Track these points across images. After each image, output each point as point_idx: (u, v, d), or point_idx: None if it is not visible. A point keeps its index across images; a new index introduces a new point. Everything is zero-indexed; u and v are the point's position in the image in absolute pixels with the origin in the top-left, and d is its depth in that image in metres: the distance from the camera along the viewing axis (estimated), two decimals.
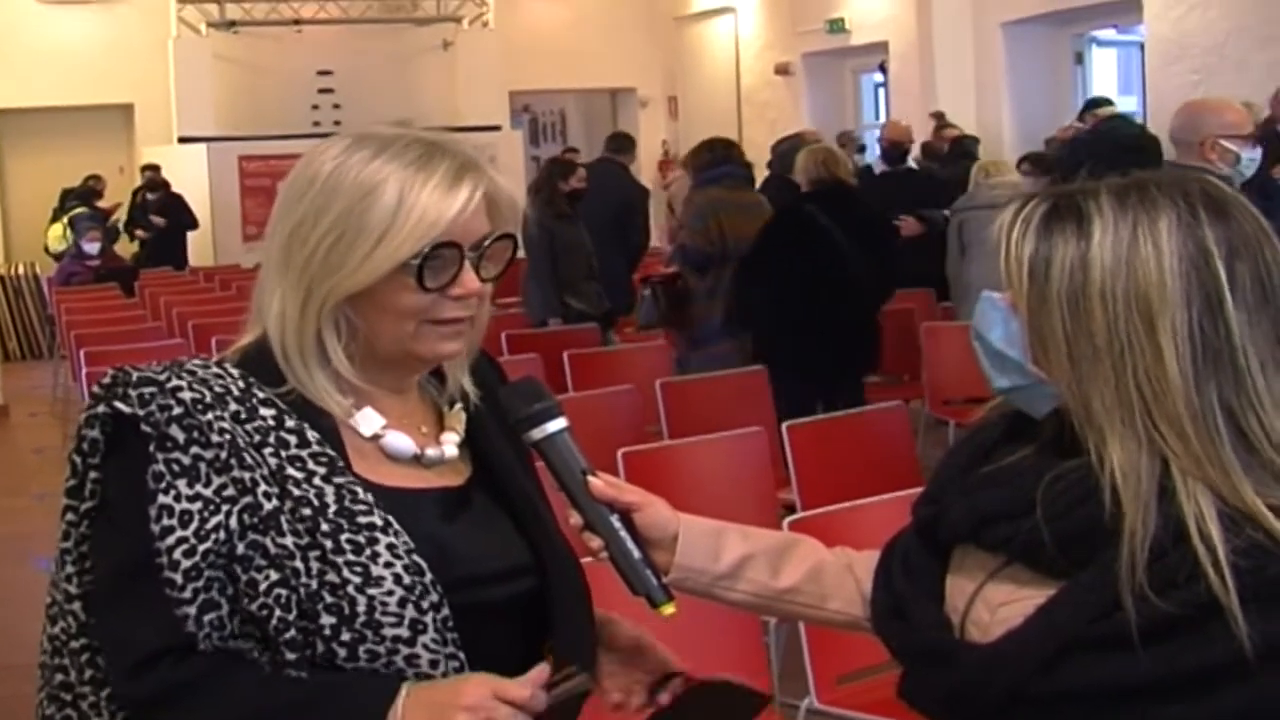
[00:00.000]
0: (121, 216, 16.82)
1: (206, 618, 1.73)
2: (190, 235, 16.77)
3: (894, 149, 11.17)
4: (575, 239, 9.06)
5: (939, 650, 1.71)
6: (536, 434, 1.91)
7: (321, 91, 18.74)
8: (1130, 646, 1.52)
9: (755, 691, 2.02)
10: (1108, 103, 11.32)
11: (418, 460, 1.91)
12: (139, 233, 16.39)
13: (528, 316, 9.20)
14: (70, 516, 1.82)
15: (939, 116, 13.83)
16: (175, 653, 1.72)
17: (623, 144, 11.06)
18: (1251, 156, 5.30)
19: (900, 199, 10.16)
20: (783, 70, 18.46)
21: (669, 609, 1.89)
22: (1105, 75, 15.50)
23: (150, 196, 16.42)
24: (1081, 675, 1.55)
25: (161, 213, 16.25)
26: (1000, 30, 14.97)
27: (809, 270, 6.98)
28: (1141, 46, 13.74)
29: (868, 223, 7.39)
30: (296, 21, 18.92)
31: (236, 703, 1.73)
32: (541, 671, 1.78)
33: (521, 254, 9.65)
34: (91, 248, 14.61)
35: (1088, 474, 1.58)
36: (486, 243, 1.86)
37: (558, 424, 1.91)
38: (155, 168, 16.74)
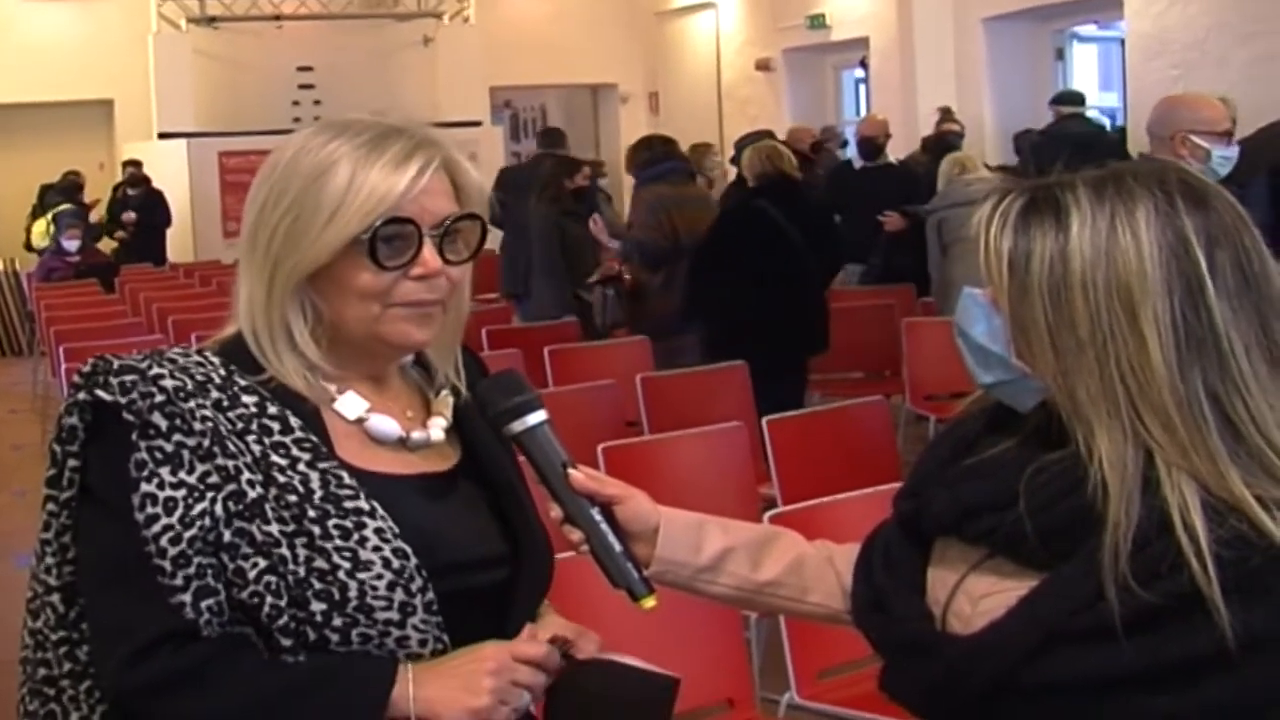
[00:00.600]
0: (101, 212, 16.75)
1: (204, 604, 1.73)
2: (170, 230, 16.72)
3: (867, 144, 11.11)
4: (583, 235, 9.10)
5: (920, 642, 1.71)
6: (517, 426, 1.90)
7: (302, 87, 18.68)
8: (1113, 637, 1.52)
9: (663, 676, 1.95)
10: (1075, 97, 11.27)
11: (403, 444, 1.91)
12: (119, 234, 16.33)
13: (536, 314, 9.23)
14: (50, 506, 1.82)
15: (945, 111, 13.74)
16: (175, 639, 1.72)
17: (557, 138, 11.24)
18: (1224, 154, 5.23)
19: (880, 194, 10.15)
20: (764, 66, 18.45)
21: (650, 602, 1.89)
22: (1086, 71, 15.51)
23: (131, 192, 16.36)
24: (1065, 666, 1.55)
25: (140, 209, 16.20)
26: (981, 25, 14.97)
27: (762, 262, 7.14)
28: (1122, 42, 13.75)
29: (813, 214, 7.62)
30: (277, 17, 18.85)
31: (239, 688, 1.74)
32: (539, 630, 1.84)
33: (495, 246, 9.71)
34: (71, 244, 14.54)
35: (1072, 465, 1.58)
36: (448, 222, 1.86)
37: (538, 416, 1.91)
38: (137, 163, 16.68)
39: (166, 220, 16.59)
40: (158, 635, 1.72)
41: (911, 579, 1.78)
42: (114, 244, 16.41)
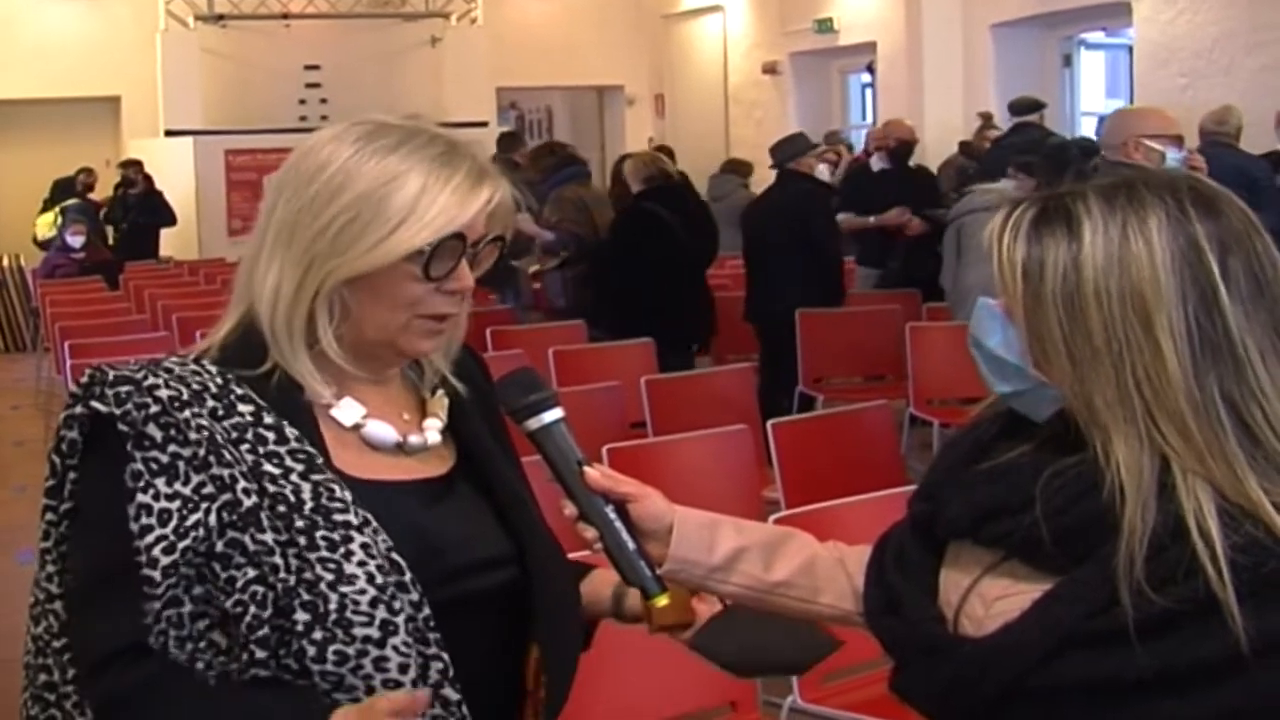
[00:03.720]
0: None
1: (166, 613, 1.73)
2: (175, 228, 16.73)
3: (904, 147, 10.91)
4: None
5: (933, 644, 1.70)
6: (533, 424, 1.91)
7: (309, 86, 18.72)
8: (1127, 642, 1.52)
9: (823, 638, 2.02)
10: (1028, 105, 11.07)
11: (400, 448, 1.91)
12: (122, 226, 16.35)
13: None
14: (50, 516, 1.82)
15: (986, 117, 13.61)
16: (129, 654, 1.72)
17: (512, 143, 11.87)
18: (1177, 156, 5.62)
19: (899, 198, 10.05)
20: (770, 69, 18.46)
21: (662, 600, 1.90)
22: (1093, 78, 15.52)
23: (131, 191, 16.36)
24: (1078, 670, 1.55)
25: (141, 207, 16.21)
26: (989, 32, 14.99)
27: (654, 258, 8.15)
28: (1130, 50, 13.76)
29: (696, 209, 8.76)
30: (285, 16, 18.90)
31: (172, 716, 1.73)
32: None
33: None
34: (76, 240, 14.56)
35: (1088, 470, 1.58)
36: (482, 244, 1.88)
37: (554, 414, 1.92)
38: (131, 163, 16.67)
39: (167, 220, 16.58)
40: (114, 648, 1.73)
41: (924, 581, 1.78)
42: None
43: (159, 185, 16.57)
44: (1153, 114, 6.01)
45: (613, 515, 1.91)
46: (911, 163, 10.93)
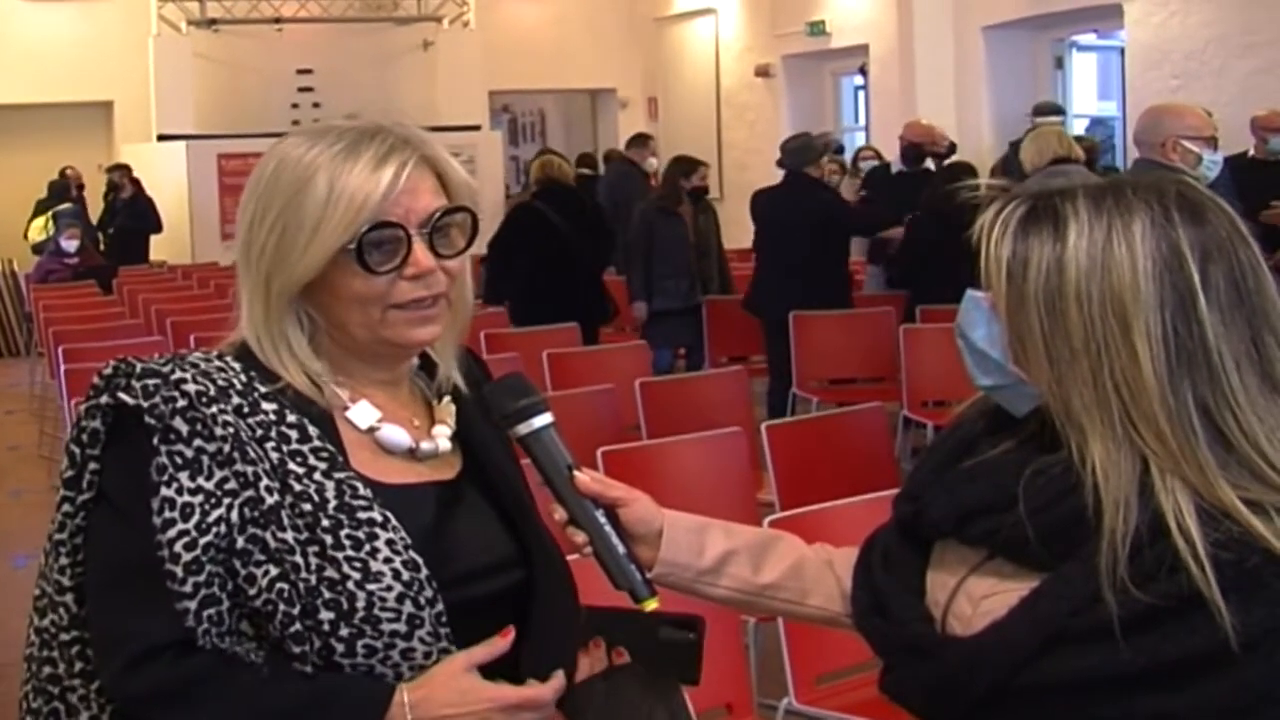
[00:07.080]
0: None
1: (206, 613, 1.73)
2: (168, 233, 16.72)
3: (913, 150, 10.85)
4: (673, 235, 9.90)
5: (921, 644, 1.72)
6: (522, 429, 1.92)
7: (302, 90, 18.68)
8: (1113, 638, 1.53)
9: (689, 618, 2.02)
10: (1047, 109, 11.11)
11: (412, 454, 1.91)
12: (109, 231, 16.35)
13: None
14: (66, 508, 1.81)
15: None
16: (175, 649, 1.73)
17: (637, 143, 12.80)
18: (1213, 159, 5.53)
19: (915, 200, 10.00)
20: (763, 72, 18.45)
21: (652, 604, 1.91)
22: (1085, 80, 15.52)
23: (121, 197, 16.34)
24: (1064, 667, 1.56)
25: (128, 213, 16.19)
26: (981, 34, 14.96)
27: (540, 252, 9.25)
28: (1122, 52, 13.76)
29: (586, 212, 9.75)
30: (277, 20, 18.86)
31: (235, 705, 1.74)
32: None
33: None
34: (70, 245, 14.54)
35: (1069, 468, 1.60)
36: (436, 217, 1.85)
37: (543, 419, 1.92)
38: (118, 168, 16.64)
39: (154, 227, 16.56)
40: (156, 643, 1.73)
41: (911, 581, 1.79)
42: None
43: (151, 190, 16.56)
44: (1190, 113, 5.82)
45: (602, 519, 1.91)
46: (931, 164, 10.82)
